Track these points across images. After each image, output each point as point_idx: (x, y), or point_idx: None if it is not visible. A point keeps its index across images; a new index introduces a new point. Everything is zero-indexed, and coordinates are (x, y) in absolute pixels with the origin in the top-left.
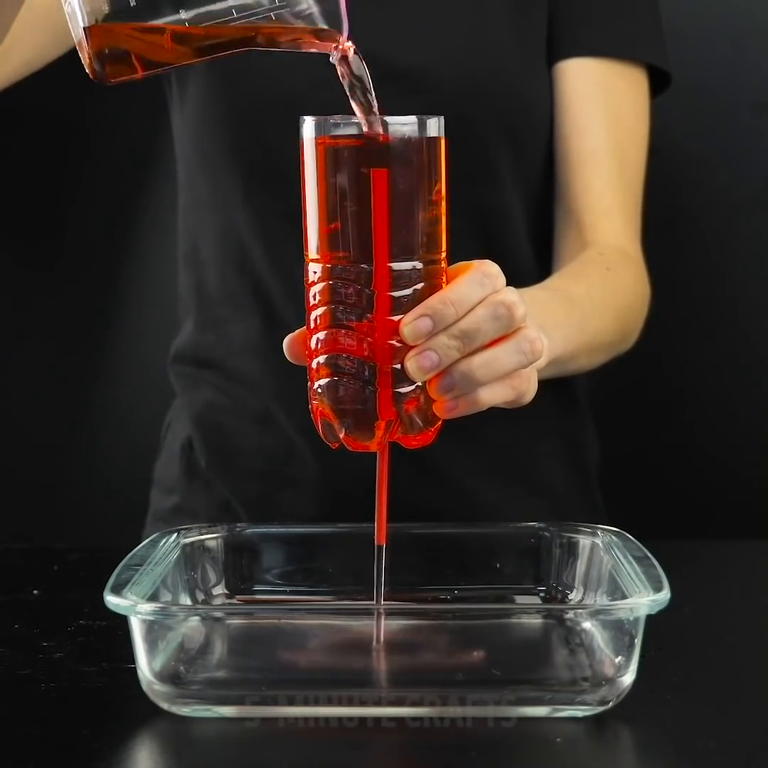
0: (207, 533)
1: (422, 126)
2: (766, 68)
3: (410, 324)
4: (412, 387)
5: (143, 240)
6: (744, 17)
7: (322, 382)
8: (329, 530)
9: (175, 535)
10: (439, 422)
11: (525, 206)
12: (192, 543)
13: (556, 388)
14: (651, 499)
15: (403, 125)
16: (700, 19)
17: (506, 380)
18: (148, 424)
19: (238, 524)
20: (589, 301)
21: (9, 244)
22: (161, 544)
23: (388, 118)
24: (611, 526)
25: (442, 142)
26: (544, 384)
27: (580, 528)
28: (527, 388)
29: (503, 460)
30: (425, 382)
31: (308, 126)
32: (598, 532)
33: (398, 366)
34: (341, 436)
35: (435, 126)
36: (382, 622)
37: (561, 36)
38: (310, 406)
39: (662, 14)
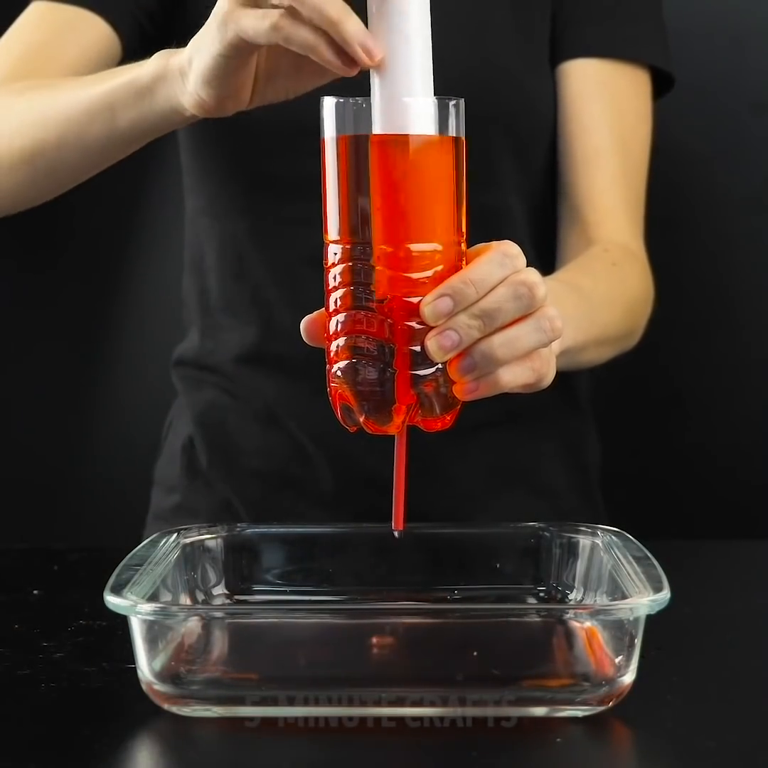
0: (207, 533)
1: (443, 107)
2: (766, 68)
3: (431, 304)
4: (432, 369)
5: (146, 242)
6: (744, 17)
7: (342, 364)
8: (329, 530)
9: (175, 535)
10: (459, 406)
11: (526, 207)
12: (192, 543)
13: (557, 388)
14: (651, 499)
15: (424, 105)
16: (700, 19)
17: (526, 362)
18: (149, 424)
19: (238, 524)
20: (596, 294)
21: (13, 247)
22: (161, 544)
23: (409, 99)
24: (611, 526)
25: (462, 124)
26: None
27: (580, 528)
28: (547, 370)
29: (504, 461)
30: (445, 364)
31: (328, 106)
32: (598, 532)
33: (418, 348)
34: (360, 419)
35: (454, 108)
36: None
37: (565, 36)
38: (328, 390)
39: (663, 15)
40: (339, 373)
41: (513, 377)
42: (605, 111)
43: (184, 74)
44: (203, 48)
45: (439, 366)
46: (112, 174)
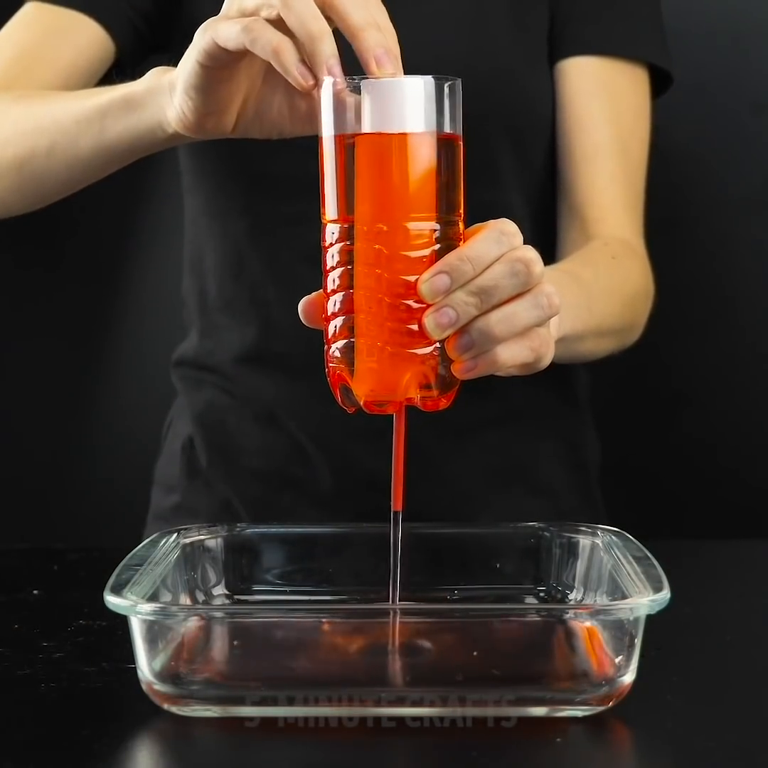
0: (207, 533)
1: (439, 86)
2: (766, 68)
3: (427, 281)
4: (431, 349)
5: (146, 242)
6: (744, 17)
7: (340, 344)
8: (329, 530)
9: (175, 535)
10: (457, 385)
11: (527, 205)
12: (192, 543)
13: (556, 387)
14: (651, 499)
15: (419, 84)
16: (700, 19)
17: (524, 340)
18: (148, 424)
19: (238, 524)
20: (596, 284)
21: (13, 247)
22: (161, 544)
23: (404, 78)
24: (611, 526)
25: (459, 102)
26: (544, 383)
27: (580, 528)
28: (545, 350)
29: (503, 460)
30: (444, 343)
31: (327, 86)
32: (598, 532)
33: (416, 327)
34: (361, 401)
35: (451, 87)
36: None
37: (563, 35)
38: (326, 371)
39: (663, 14)
40: (337, 352)
41: (511, 355)
42: (604, 109)
43: (173, 88)
44: (185, 58)
45: (438, 345)
46: (111, 174)
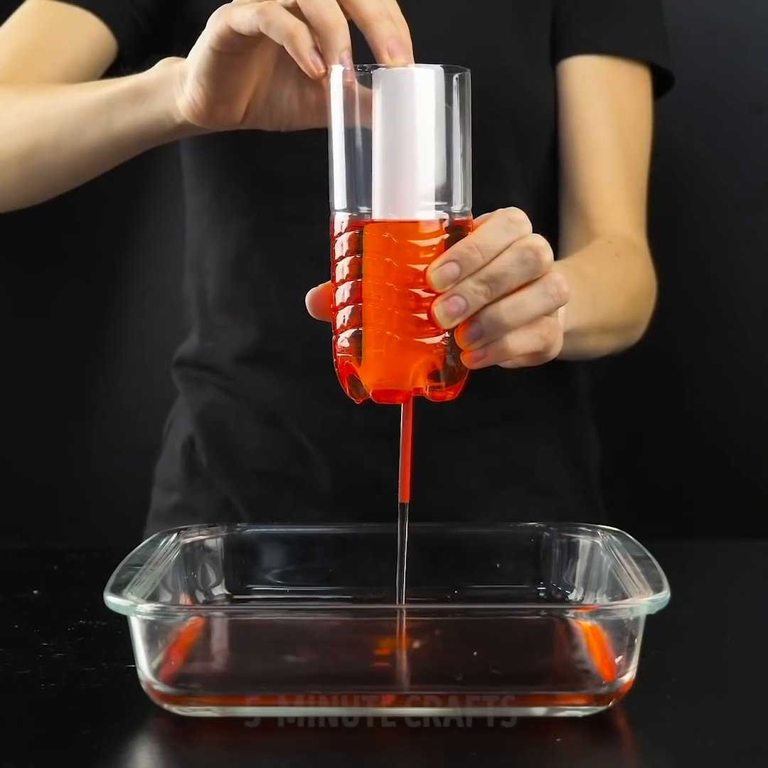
0: (207, 533)
1: (449, 76)
2: (766, 68)
3: (437, 270)
4: (439, 339)
5: (146, 242)
6: (744, 17)
7: (349, 333)
8: (329, 530)
9: (175, 535)
10: (465, 376)
11: (529, 204)
12: (192, 543)
13: (556, 388)
14: (651, 499)
15: (428, 74)
16: (700, 19)
17: (534, 329)
18: (149, 424)
19: (238, 524)
20: (600, 281)
21: (12, 247)
22: (161, 544)
23: (416, 67)
24: (611, 526)
25: (469, 92)
26: (544, 384)
27: (580, 528)
28: (555, 339)
29: (504, 461)
30: (452, 332)
31: (336, 74)
32: (598, 532)
33: (425, 316)
34: (370, 391)
35: (461, 78)
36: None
37: (565, 34)
38: (334, 362)
39: (663, 14)
40: (346, 342)
41: (520, 344)
42: (606, 107)
43: (184, 77)
44: (198, 44)
45: (447, 335)
46: (112, 173)
